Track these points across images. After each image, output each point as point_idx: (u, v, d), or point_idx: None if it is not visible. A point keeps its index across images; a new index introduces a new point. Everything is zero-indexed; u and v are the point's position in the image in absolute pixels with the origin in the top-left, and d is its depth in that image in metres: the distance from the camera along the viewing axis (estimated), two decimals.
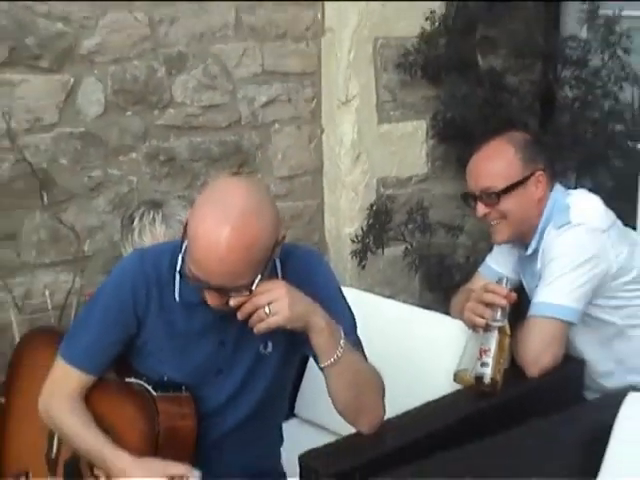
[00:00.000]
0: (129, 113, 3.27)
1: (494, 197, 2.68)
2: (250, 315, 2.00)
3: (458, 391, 2.55)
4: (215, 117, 3.43)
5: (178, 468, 2.04)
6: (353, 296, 2.35)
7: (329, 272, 2.26)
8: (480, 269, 2.98)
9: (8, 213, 3.11)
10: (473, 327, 2.57)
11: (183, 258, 2.02)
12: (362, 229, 3.57)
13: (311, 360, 2.23)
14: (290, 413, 2.85)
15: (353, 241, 3.56)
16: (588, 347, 2.75)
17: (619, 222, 2.75)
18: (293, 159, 3.63)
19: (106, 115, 3.23)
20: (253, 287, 1.96)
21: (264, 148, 3.56)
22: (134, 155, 3.31)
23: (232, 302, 1.99)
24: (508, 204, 2.68)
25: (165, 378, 2.13)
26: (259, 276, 1.96)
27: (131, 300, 2.11)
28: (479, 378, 2.48)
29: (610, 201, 2.77)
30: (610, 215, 2.72)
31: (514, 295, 2.55)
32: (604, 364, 2.76)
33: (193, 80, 3.37)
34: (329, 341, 2.05)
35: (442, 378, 2.57)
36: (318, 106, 3.63)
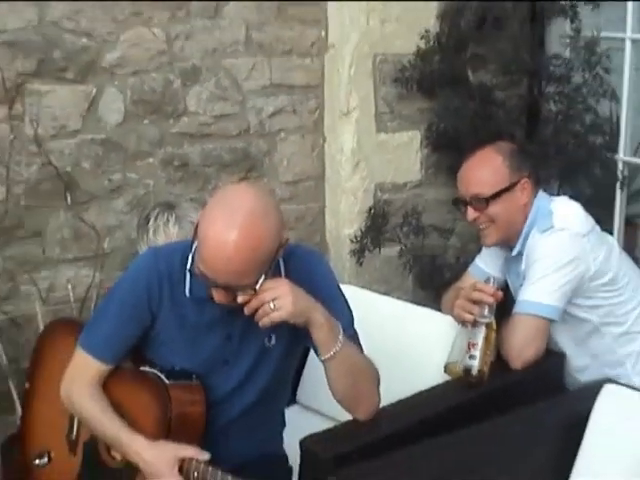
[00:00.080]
0: (146, 121, 3.26)
1: (483, 202, 2.67)
2: (256, 310, 2.00)
3: (448, 382, 2.54)
4: (226, 126, 3.42)
5: (188, 450, 2.04)
6: (351, 293, 2.34)
7: (329, 271, 2.25)
8: (469, 269, 2.97)
9: (35, 212, 3.11)
10: (462, 323, 2.56)
11: (193, 257, 2.01)
12: (360, 230, 3.56)
13: (312, 351, 2.22)
14: (292, 400, 2.83)
15: (352, 241, 3.55)
16: (566, 343, 2.74)
17: (597, 227, 2.73)
18: (297, 165, 3.62)
19: (125, 123, 3.22)
20: (257, 286, 1.96)
21: (271, 155, 3.55)
22: (151, 160, 3.30)
23: (239, 299, 1.98)
24: (496, 209, 2.67)
25: (176, 367, 2.12)
26: (263, 276, 1.96)
27: (145, 295, 2.10)
28: (467, 370, 2.48)
29: (589, 207, 2.76)
30: (590, 220, 2.71)
31: (500, 293, 2.55)
32: (580, 359, 2.75)
33: (206, 91, 3.35)
34: (329, 336, 2.04)
35: (433, 369, 2.56)
36: (321, 117, 3.62)
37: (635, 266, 2.84)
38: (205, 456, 2.02)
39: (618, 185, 3.49)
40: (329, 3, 3.51)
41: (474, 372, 2.47)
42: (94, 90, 3.14)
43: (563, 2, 3.40)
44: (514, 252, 2.73)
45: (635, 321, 2.71)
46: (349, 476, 2.05)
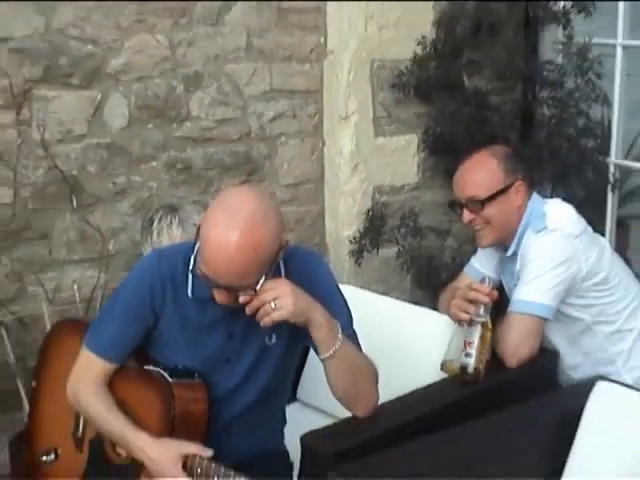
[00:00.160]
0: (150, 126, 3.26)
1: (479, 204, 2.66)
2: (257, 310, 1.99)
3: (444, 379, 2.54)
4: (227, 130, 3.42)
5: (192, 447, 2.03)
6: (350, 293, 2.34)
7: (328, 272, 2.24)
8: (465, 269, 2.97)
9: (41, 215, 3.11)
10: (458, 322, 2.56)
11: (195, 258, 2.01)
12: (359, 232, 3.55)
13: (312, 350, 2.22)
14: (293, 397, 2.83)
15: (351, 242, 3.55)
16: (559, 341, 2.74)
17: (589, 228, 2.73)
18: (297, 169, 3.61)
19: (130, 128, 3.22)
20: (258, 287, 1.95)
21: (271, 158, 3.55)
22: (154, 164, 3.30)
23: (241, 299, 1.98)
24: (491, 211, 2.66)
25: (179, 366, 2.11)
26: (263, 277, 1.95)
27: (149, 296, 2.10)
28: (463, 368, 2.47)
29: (582, 209, 2.76)
30: (582, 222, 2.70)
31: (496, 293, 2.55)
32: (573, 357, 2.75)
33: (208, 97, 3.35)
34: (328, 336, 2.04)
35: (430, 367, 2.55)
36: (320, 121, 3.62)
37: (626, 267, 2.84)
38: (208, 452, 2.02)
39: (610, 187, 3.49)
40: (328, 10, 3.51)
41: (470, 370, 2.46)
42: (99, 95, 3.14)
43: (556, 10, 3.40)
44: (509, 252, 2.72)
45: (626, 320, 2.71)
46: (348, 471, 2.04)
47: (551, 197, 2.95)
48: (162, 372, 2.10)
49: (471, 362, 2.46)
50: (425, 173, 3.68)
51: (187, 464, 2.01)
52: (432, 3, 3.53)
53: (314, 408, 2.80)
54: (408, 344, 2.67)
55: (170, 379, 2.09)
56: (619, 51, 3.39)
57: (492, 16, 3.47)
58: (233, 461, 2.01)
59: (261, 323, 2.00)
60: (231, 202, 1.95)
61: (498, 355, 2.57)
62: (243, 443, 2.18)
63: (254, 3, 3.37)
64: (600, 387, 2.24)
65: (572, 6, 3.36)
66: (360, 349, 2.16)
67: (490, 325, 2.51)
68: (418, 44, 3.50)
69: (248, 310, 1.99)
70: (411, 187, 3.67)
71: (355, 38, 3.46)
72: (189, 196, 3.32)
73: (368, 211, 3.56)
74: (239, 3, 3.35)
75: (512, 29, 3.50)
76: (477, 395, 2.47)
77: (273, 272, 2.01)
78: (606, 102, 3.43)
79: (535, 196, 2.74)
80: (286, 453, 2.35)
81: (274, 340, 2.14)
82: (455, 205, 2.76)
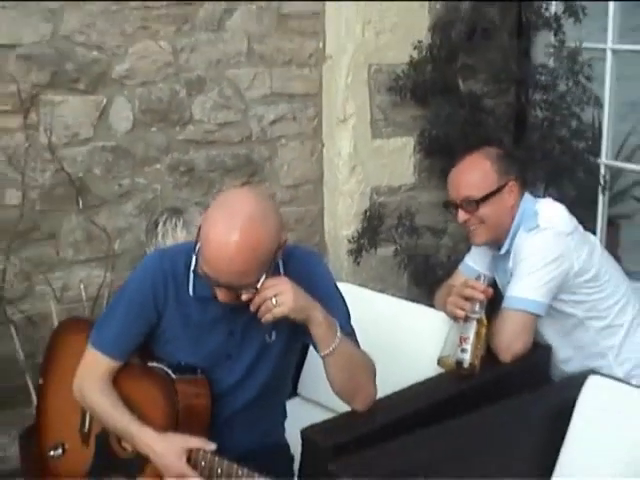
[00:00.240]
0: (154, 129, 3.26)
1: (473, 204, 2.65)
2: (259, 307, 1.99)
3: (441, 374, 2.53)
4: (229, 133, 3.42)
5: (196, 441, 2.03)
6: (349, 290, 2.34)
7: (327, 271, 2.24)
8: (460, 267, 2.96)
9: (49, 216, 3.13)
10: (454, 318, 2.55)
11: (197, 258, 2.00)
12: (357, 231, 3.55)
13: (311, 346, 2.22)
14: (293, 392, 2.82)
15: (349, 242, 3.55)
16: (552, 335, 2.73)
17: (580, 227, 2.73)
18: (297, 170, 3.61)
19: (134, 131, 3.22)
20: (258, 285, 1.95)
21: (272, 160, 3.55)
22: (158, 166, 3.30)
23: (244, 297, 1.98)
24: (486, 210, 2.66)
25: (182, 363, 2.11)
26: (263, 275, 1.95)
27: (151, 295, 2.10)
28: (459, 363, 2.47)
29: (573, 209, 2.75)
30: (573, 221, 2.70)
31: (491, 290, 2.54)
32: (565, 351, 2.74)
33: (210, 101, 3.35)
34: (327, 333, 2.04)
35: (427, 363, 2.55)
36: (319, 124, 3.62)
37: (616, 264, 2.83)
38: (212, 446, 2.01)
39: (600, 187, 3.49)
40: (326, 16, 3.51)
41: (466, 365, 2.46)
42: (104, 100, 3.15)
43: (548, 15, 3.40)
44: (502, 251, 2.72)
45: (616, 315, 2.70)
46: (348, 464, 2.04)
47: (544, 197, 2.95)
48: (165, 369, 2.10)
49: (467, 357, 2.46)
50: (421, 174, 3.68)
51: (191, 458, 2.00)
52: (427, 9, 3.53)
53: (314, 403, 2.80)
54: (405, 340, 2.66)
55: (173, 375, 2.08)
56: (609, 55, 3.39)
57: (486, 21, 3.47)
58: (235, 454, 2.01)
59: (262, 320, 2.00)
60: (231, 203, 1.95)
61: (493, 350, 2.56)
62: (245, 437, 2.18)
63: (255, 10, 3.37)
64: (592, 381, 2.24)
65: (563, 11, 3.36)
66: (358, 345, 2.16)
67: (485, 321, 2.51)
68: (414, 48, 3.50)
69: (252, 307, 1.99)
70: (408, 188, 3.67)
71: (353, 43, 3.46)
72: (192, 197, 3.32)
73: (366, 211, 3.56)
74: (240, 10, 3.35)
75: (506, 34, 3.50)
76: (473, 390, 2.46)
77: (273, 271, 2.00)
78: (597, 104, 3.42)
79: (527, 196, 2.73)
80: (287, 446, 2.35)
81: (274, 337, 2.13)
82: (450, 205, 2.75)
